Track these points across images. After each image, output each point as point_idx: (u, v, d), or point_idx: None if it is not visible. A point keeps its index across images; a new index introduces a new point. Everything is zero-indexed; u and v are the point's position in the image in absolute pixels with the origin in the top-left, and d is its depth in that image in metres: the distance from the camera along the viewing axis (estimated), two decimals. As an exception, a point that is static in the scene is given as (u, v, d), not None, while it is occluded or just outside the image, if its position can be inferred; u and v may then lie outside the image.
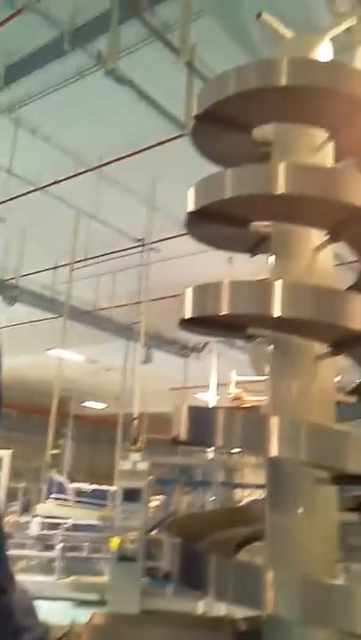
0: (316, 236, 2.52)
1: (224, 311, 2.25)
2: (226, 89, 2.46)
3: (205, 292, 2.35)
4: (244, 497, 8.07)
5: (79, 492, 11.88)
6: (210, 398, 12.41)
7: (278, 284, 2.20)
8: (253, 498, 7.24)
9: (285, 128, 2.70)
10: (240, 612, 2.43)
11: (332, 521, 2.34)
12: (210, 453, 7.92)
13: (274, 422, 2.06)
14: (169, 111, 5.70)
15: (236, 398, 9.08)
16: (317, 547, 2.27)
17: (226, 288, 2.26)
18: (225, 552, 2.43)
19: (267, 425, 2.07)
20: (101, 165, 7.36)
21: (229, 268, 7.38)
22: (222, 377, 11.09)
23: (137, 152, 7.00)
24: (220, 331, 2.58)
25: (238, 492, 8.51)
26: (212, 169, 2.73)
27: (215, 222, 2.57)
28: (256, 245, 2.82)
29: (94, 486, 12.51)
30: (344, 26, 2.82)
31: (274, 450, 2.02)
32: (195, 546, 2.33)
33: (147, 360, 9.90)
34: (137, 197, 7.86)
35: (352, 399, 2.69)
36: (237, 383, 9.46)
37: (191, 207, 2.49)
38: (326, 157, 2.61)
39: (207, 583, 2.06)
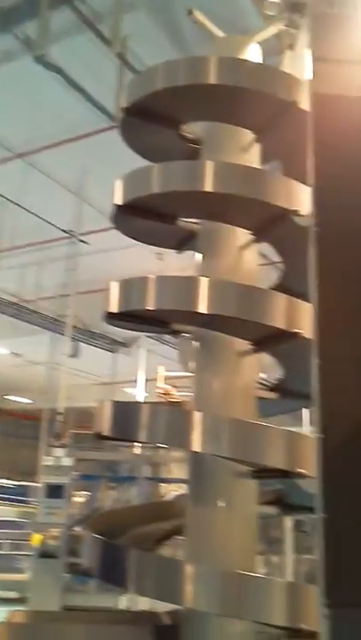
0: (242, 235, 2.56)
1: (149, 306, 2.24)
2: (154, 83, 2.45)
3: (131, 286, 2.34)
4: (171, 492, 8.11)
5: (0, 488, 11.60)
6: (138, 393, 12.39)
7: (203, 281, 2.22)
8: (179, 492, 7.29)
9: (215, 127, 2.72)
10: (166, 606, 2.43)
11: (253, 514, 2.39)
12: (136, 448, 7.90)
13: (196, 417, 2.08)
14: (99, 102, 5.60)
15: (165, 394, 9.10)
16: (238, 540, 2.31)
17: (151, 283, 2.26)
18: (145, 547, 2.43)
19: (189, 420, 2.09)
20: (29, 153, 7.15)
21: (159, 263, 7.35)
22: (152, 372, 11.09)
23: (67, 141, 6.85)
24: (146, 325, 2.58)
25: (164, 487, 8.55)
26: (144, 163, 2.70)
27: (142, 217, 2.56)
28: (183, 242, 2.83)
29: (16, 482, 12.23)
30: (273, 30, 2.87)
31: (196, 444, 2.05)
32: (114, 541, 2.32)
33: (74, 354, 9.72)
34: (66, 188, 7.70)
35: (274, 395, 2.76)
36: (166, 379, 9.48)
37: (117, 200, 2.47)
38: (253, 158, 2.65)
39: (125, 578, 2.06)
